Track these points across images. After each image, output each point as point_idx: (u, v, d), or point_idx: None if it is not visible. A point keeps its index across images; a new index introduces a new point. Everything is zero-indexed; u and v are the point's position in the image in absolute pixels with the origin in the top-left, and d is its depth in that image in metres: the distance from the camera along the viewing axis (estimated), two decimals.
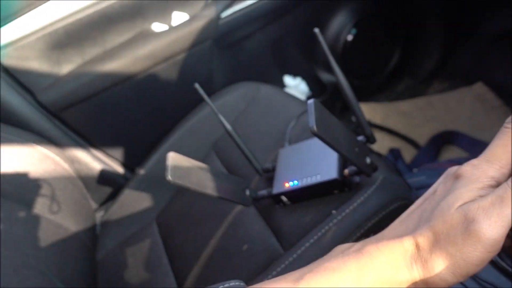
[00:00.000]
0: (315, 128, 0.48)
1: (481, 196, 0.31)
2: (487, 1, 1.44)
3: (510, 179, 0.31)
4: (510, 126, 0.34)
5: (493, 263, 0.52)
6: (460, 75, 1.48)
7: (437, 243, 0.31)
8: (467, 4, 1.46)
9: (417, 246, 0.32)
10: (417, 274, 0.32)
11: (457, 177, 0.34)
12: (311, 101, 0.50)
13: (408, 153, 1.23)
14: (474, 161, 0.34)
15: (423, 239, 0.32)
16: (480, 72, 1.43)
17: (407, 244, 0.33)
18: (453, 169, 0.36)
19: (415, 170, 0.96)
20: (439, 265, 0.31)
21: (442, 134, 1.20)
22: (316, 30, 0.59)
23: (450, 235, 0.31)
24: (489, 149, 0.34)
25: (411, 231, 0.34)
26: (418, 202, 0.38)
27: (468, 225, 0.30)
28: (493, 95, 1.30)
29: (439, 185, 0.36)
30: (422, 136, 1.25)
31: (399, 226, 0.37)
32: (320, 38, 0.59)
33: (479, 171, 0.33)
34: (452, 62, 1.53)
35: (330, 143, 0.51)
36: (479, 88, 1.34)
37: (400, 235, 0.34)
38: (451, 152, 1.19)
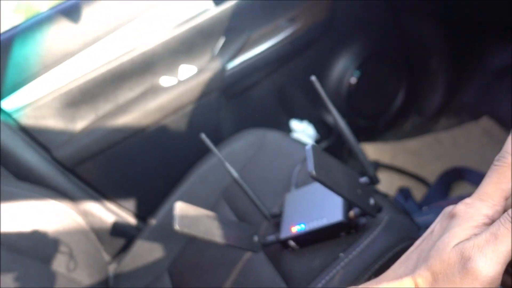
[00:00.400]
0: (314, 172, 0.50)
1: (476, 234, 0.32)
2: (489, 37, 1.47)
3: (502, 216, 0.32)
4: (499, 163, 0.35)
5: None
6: (466, 111, 1.49)
7: (435, 282, 0.32)
8: (469, 40, 1.50)
9: (417, 286, 0.33)
10: None
11: (452, 216, 0.35)
12: (309, 146, 0.52)
13: (419, 192, 1.22)
14: (467, 200, 0.35)
15: (422, 279, 0.33)
16: (485, 107, 1.44)
17: (406, 284, 0.34)
18: (449, 208, 0.37)
19: (425, 208, 0.96)
20: None
21: (452, 171, 1.20)
22: (313, 78, 0.62)
23: (448, 274, 0.31)
24: (481, 187, 0.35)
25: (410, 272, 0.34)
26: (417, 242, 0.38)
27: (465, 264, 0.30)
28: (499, 128, 1.30)
29: (436, 225, 0.37)
30: (432, 173, 1.25)
31: (399, 267, 0.37)
32: (317, 85, 0.62)
33: (473, 209, 0.34)
34: (458, 98, 1.54)
35: (330, 186, 0.52)
36: (485, 122, 1.35)
37: (399, 276, 0.35)
38: (462, 188, 1.18)
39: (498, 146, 1.23)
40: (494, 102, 1.42)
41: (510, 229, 0.30)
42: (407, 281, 0.34)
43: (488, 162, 1.18)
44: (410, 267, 0.35)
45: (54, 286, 0.82)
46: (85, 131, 1.04)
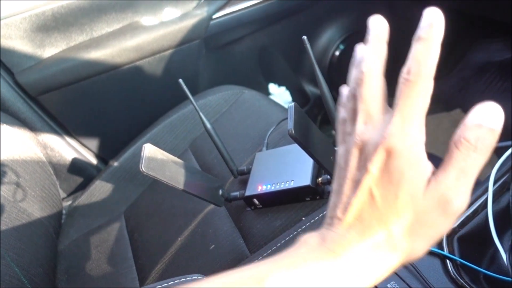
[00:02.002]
0: (293, 131, 0.49)
1: (433, 173, 0.31)
2: (477, 33, 1.49)
3: (462, 148, 0.30)
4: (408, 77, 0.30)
5: (452, 279, 0.53)
6: (441, 101, 1.51)
7: (414, 231, 0.30)
8: (457, 33, 1.51)
9: (391, 234, 0.31)
10: (395, 261, 0.31)
11: (389, 153, 0.30)
12: (291, 104, 0.51)
13: None
14: (392, 129, 0.30)
15: (399, 230, 0.30)
16: (460, 100, 1.46)
17: (381, 234, 0.31)
18: (357, 143, 0.32)
19: None
20: (418, 247, 0.31)
21: None
22: (304, 37, 0.60)
23: (428, 221, 0.30)
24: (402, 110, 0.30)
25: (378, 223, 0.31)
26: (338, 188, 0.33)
27: (444, 208, 0.29)
28: None
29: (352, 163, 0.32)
30: None
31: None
32: (307, 45, 0.60)
33: (410, 138, 0.32)
34: (436, 88, 1.56)
35: (306, 147, 0.51)
36: (457, 114, 1.37)
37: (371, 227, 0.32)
38: None
39: None
40: (469, 97, 1.44)
41: (475, 159, 0.30)
42: (381, 232, 0.31)
43: None
44: (367, 222, 0.31)
45: (1, 213, 0.78)
46: (54, 59, 0.98)
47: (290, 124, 0.48)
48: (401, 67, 0.30)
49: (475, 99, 1.37)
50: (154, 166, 0.58)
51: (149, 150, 0.58)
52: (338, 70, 1.41)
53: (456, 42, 1.51)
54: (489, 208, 0.58)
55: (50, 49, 0.99)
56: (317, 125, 1.44)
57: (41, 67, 0.96)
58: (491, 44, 1.45)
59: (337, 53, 1.38)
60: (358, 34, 1.40)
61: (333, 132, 0.67)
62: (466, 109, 1.39)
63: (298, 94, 1.39)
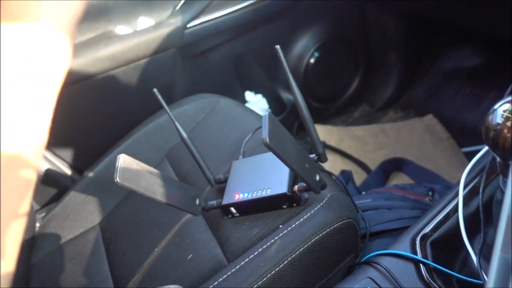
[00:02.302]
0: (267, 139, 0.49)
1: None
2: (446, 40, 1.53)
3: None
4: None
5: (425, 283, 0.54)
6: (414, 107, 1.55)
7: None
8: (427, 40, 1.55)
9: None
10: None
11: None
12: (266, 113, 0.51)
13: (359, 177, 1.26)
14: None
15: None
16: (432, 105, 1.50)
17: None
18: None
19: (363, 193, 0.99)
20: None
21: (392, 161, 1.25)
22: (277, 46, 0.61)
23: None
24: None
25: None
26: None
27: None
28: (442, 127, 1.37)
29: None
30: (374, 161, 1.29)
31: None
32: (280, 54, 0.60)
33: None
34: (408, 94, 1.60)
35: (280, 155, 0.51)
36: (429, 120, 1.41)
37: None
38: (399, 178, 1.23)
39: (438, 143, 1.30)
40: (440, 102, 1.48)
41: None
42: None
43: (427, 157, 1.24)
44: None
45: None
46: None
47: (264, 133, 0.49)
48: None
49: (446, 105, 1.42)
50: (129, 176, 0.57)
51: (124, 161, 0.58)
52: (313, 77, 1.43)
53: (426, 50, 1.55)
54: (460, 213, 0.60)
55: None
56: (293, 132, 1.46)
57: None
58: (460, 51, 1.49)
59: (312, 60, 1.40)
60: (332, 41, 1.42)
61: (308, 139, 0.68)
62: (438, 114, 1.43)
63: (274, 102, 1.40)
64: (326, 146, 1.38)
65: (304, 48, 1.38)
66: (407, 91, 1.60)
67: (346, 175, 1.21)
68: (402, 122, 1.44)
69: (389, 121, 1.50)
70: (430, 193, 0.94)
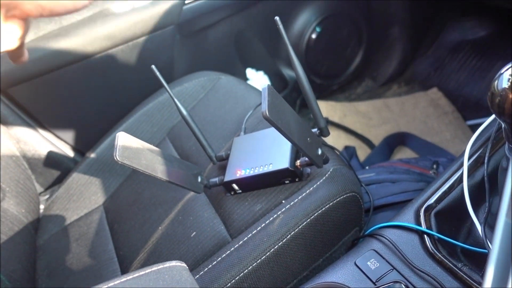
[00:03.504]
0: (267, 112, 0.48)
1: None
2: (451, 12, 1.50)
3: None
4: None
5: (430, 254, 0.54)
6: (418, 81, 1.53)
7: None
8: (432, 13, 1.52)
9: None
10: None
11: None
12: (265, 86, 0.50)
13: (363, 152, 1.25)
14: None
15: None
16: (436, 79, 1.48)
17: None
18: None
19: (367, 168, 0.99)
20: None
21: (396, 135, 1.24)
22: (277, 18, 0.59)
23: None
24: None
25: None
26: None
27: None
28: (446, 101, 1.35)
29: None
30: (378, 136, 1.28)
31: None
32: (280, 26, 0.59)
33: None
34: (412, 68, 1.58)
35: (281, 129, 0.50)
36: (434, 93, 1.39)
37: None
38: (403, 153, 1.22)
39: (443, 116, 1.29)
40: (445, 76, 1.46)
41: None
42: None
43: (431, 131, 1.23)
44: None
45: None
46: None
47: (264, 106, 0.48)
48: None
49: (450, 78, 1.40)
50: (129, 154, 0.57)
51: (123, 139, 0.57)
52: (315, 53, 1.40)
53: (430, 22, 1.52)
54: (465, 183, 0.59)
55: None
56: (296, 110, 1.44)
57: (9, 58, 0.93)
58: (464, 22, 1.46)
59: (313, 36, 1.38)
60: (334, 16, 1.39)
61: (311, 115, 0.67)
62: (442, 87, 1.41)
63: (276, 79, 1.39)
64: (329, 122, 1.37)
65: (305, 23, 1.36)
66: (411, 65, 1.57)
67: (350, 151, 1.20)
68: (406, 97, 1.42)
69: (392, 96, 1.48)
70: (435, 166, 0.93)
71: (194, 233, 0.69)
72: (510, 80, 0.38)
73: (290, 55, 0.61)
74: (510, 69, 0.39)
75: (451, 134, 1.23)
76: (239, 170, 0.68)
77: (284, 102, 0.54)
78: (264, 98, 0.49)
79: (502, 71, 0.40)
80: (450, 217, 0.59)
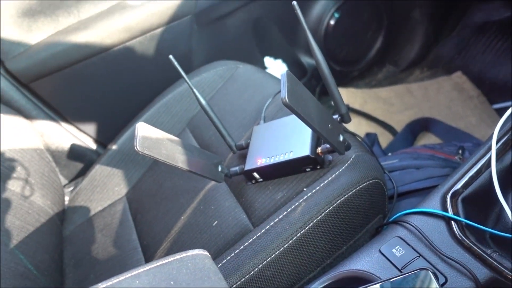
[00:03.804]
0: (286, 99, 0.47)
1: None
2: None
3: None
4: None
5: (458, 241, 0.52)
6: (441, 65, 1.49)
7: None
8: None
9: None
10: None
11: None
12: (284, 72, 0.49)
13: (385, 139, 1.23)
14: None
15: None
16: (460, 63, 1.44)
17: None
18: None
19: (389, 154, 0.97)
20: None
21: (419, 121, 1.21)
22: (294, 2, 0.58)
23: None
24: None
25: None
26: None
27: None
28: (471, 84, 1.31)
29: None
30: (400, 122, 1.25)
31: None
32: (298, 10, 0.58)
33: None
34: (435, 52, 1.53)
35: (301, 115, 0.50)
36: (458, 77, 1.35)
37: None
38: (427, 139, 1.20)
39: (468, 101, 1.25)
40: (469, 59, 1.42)
41: None
42: None
43: (456, 116, 1.19)
44: None
45: (3, 203, 0.78)
46: (43, 44, 0.96)
47: (283, 92, 0.47)
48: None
49: (475, 61, 1.35)
50: (150, 145, 0.57)
51: (143, 129, 0.57)
52: (334, 39, 1.38)
53: (453, 3, 1.47)
54: (493, 167, 0.57)
55: (38, 34, 0.97)
56: (315, 97, 1.42)
57: (31, 53, 0.95)
58: (490, 3, 1.41)
59: (332, 22, 1.35)
60: (352, 0, 1.36)
61: (332, 102, 0.66)
62: (467, 70, 1.37)
63: (295, 67, 1.37)
64: (349, 109, 1.35)
65: (324, 9, 1.33)
66: (433, 49, 1.53)
67: (371, 138, 1.18)
68: (429, 81, 1.39)
69: (415, 81, 1.44)
70: (460, 151, 0.91)
71: (216, 222, 0.69)
72: None
73: (308, 40, 0.60)
74: None
75: (476, 119, 1.20)
76: (259, 159, 0.67)
77: (304, 88, 0.53)
78: (284, 84, 0.48)
79: None
80: (478, 203, 0.57)
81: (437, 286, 0.45)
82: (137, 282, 0.39)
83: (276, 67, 1.31)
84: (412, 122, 1.21)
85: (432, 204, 0.57)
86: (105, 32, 0.98)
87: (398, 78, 1.50)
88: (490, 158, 0.58)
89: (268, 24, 1.28)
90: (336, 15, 1.35)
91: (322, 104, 1.43)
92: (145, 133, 0.57)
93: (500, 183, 0.55)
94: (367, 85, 1.51)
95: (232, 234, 0.66)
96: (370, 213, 0.65)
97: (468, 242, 0.52)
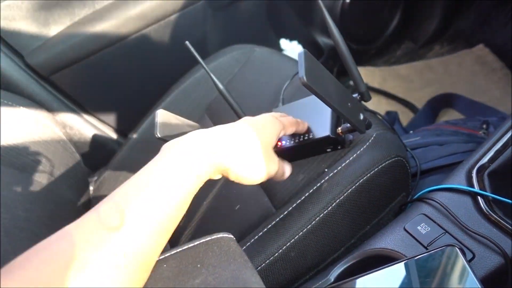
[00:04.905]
0: (305, 78, 0.46)
1: None
2: None
3: None
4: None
5: (485, 216, 0.51)
6: (462, 39, 1.44)
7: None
8: None
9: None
10: None
11: None
12: (301, 51, 0.48)
13: (406, 117, 1.21)
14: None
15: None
16: (481, 35, 1.39)
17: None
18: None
19: (411, 132, 0.95)
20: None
21: (440, 97, 1.18)
22: None
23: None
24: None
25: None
26: None
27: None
28: (494, 57, 1.27)
29: None
30: (421, 99, 1.23)
31: None
32: None
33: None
34: (454, 26, 1.49)
35: (320, 94, 0.49)
36: (480, 50, 1.31)
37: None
38: (449, 115, 1.17)
39: (491, 74, 1.21)
40: (491, 31, 1.37)
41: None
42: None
43: (478, 90, 1.16)
44: None
45: (31, 193, 0.80)
46: (60, 36, 0.97)
47: (301, 72, 0.46)
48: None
49: (498, 33, 1.31)
50: (169, 131, 0.57)
51: (162, 116, 0.57)
52: (350, 17, 1.35)
53: None
54: None
55: (55, 27, 0.98)
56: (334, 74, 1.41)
57: (49, 45, 0.96)
58: None
59: (348, 0, 1.32)
60: None
61: (351, 83, 0.64)
62: (488, 43, 1.33)
63: (311, 47, 1.35)
64: (368, 88, 1.33)
65: None
66: (453, 23, 1.48)
67: (392, 116, 1.16)
68: (449, 56, 1.35)
69: (435, 56, 1.41)
70: (485, 126, 0.89)
71: (239, 206, 0.70)
72: None
73: (325, 18, 0.59)
74: None
75: (500, 92, 1.17)
76: (279, 141, 0.67)
77: (322, 67, 0.52)
78: (301, 64, 0.47)
79: None
80: (506, 177, 0.56)
81: (465, 262, 0.45)
82: (165, 266, 0.40)
83: (292, 48, 1.30)
84: (433, 98, 1.19)
85: (457, 180, 0.56)
86: (121, 21, 0.99)
87: (417, 55, 1.46)
88: None
89: (282, 5, 1.26)
90: None
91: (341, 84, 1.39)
92: (165, 120, 0.58)
93: None
94: (386, 62, 1.48)
95: (255, 217, 0.66)
96: (393, 192, 0.64)
97: (495, 216, 0.51)
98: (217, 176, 0.51)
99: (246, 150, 0.50)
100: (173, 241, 0.76)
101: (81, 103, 1.06)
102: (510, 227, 0.49)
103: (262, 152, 0.52)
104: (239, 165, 0.50)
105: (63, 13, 0.98)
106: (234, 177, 0.51)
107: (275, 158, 0.56)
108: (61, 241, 0.36)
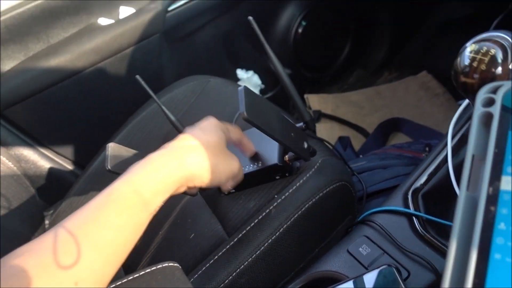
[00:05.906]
0: (245, 113, 0.50)
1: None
2: None
3: None
4: None
5: (419, 235, 0.55)
6: (409, 65, 1.53)
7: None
8: None
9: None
10: None
11: None
12: (241, 87, 0.52)
13: (358, 141, 1.27)
14: None
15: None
16: (427, 62, 1.49)
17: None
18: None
19: (360, 156, 1.00)
20: None
21: (389, 122, 1.25)
22: (250, 18, 0.60)
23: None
24: None
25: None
26: None
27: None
28: (436, 82, 1.36)
29: None
30: (371, 124, 1.29)
31: None
32: (254, 25, 0.61)
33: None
34: (401, 53, 1.58)
35: (261, 127, 0.52)
36: (424, 76, 1.40)
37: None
38: (397, 138, 1.23)
39: (434, 98, 1.29)
40: (435, 58, 1.47)
41: None
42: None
43: (424, 114, 1.23)
44: None
45: None
46: (14, 71, 0.96)
47: (241, 108, 0.49)
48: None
49: (440, 60, 1.39)
50: (120, 163, 0.59)
51: (113, 149, 0.59)
52: (303, 47, 1.41)
53: (415, 6, 1.52)
54: (449, 162, 0.60)
55: (8, 62, 0.98)
56: (291, 104, 1.45)
57: (2, 81, 0.95)
58: (450, 2, 1.46)
59: (300, 30, 1.39)
60: (318, 8, 1.40)
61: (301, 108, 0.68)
62: (432, 69, 1.41)
63: (267, 76, 1.40)
64: (322, 115, 1.38)
65: (290, 18, 1.37)
66: (400, 51, 1.58)
67: (344, 141, 1.21)
68: (396, 82, 1.43)
69: (384, 82, 1.49)
70: (427, 149, 0.94)
71: (193, 234, 0.71)
72: (470, 57, 0.39)
73: (266, 51, 0.63)
74: (471, 45, 0.40)
75: (443, 116, 1.24)
76: None
77: (265, 100, 0.55)
78: (241, 100, 0.50)
79: (461, 50, 0.41)
80: (438, 197, 0.60)
81: (400, 281, 0.48)
82: None
83: (248, 78, 1.34)
84: (382, 123, 1.25)
85: (395, 202, 0.60)
86: (76, 55, 1.00)
87: (368, 81, 1.54)
88: (447, 154, 0.61)
89: (238, 36, 1.31)
90: (303, 23, 1.39)
91: (297, 112, 1.43)
92: (115, 152, 0.59)
93: (457, 178, 0.58)
94: (340, 89, 1.55)
95: (208, 245, 0.67)
96: (340, 215, 0.67)
97: (429, 236, 0.55)
98: (181, 190, 0.52)
99: (201, 152, 0.52)
100: (129, 272, 0.76)
101: (36, 137, 1.05)
102: (442, 246, 0.53)
103: (217, 149, 0.54)
104: (201, 168, 0.51)
105: (17, 48, 0.98)
106: (200, 181, 0.52)
107: (232, 155, 0.58)
108: (13, 278, 0.36)
